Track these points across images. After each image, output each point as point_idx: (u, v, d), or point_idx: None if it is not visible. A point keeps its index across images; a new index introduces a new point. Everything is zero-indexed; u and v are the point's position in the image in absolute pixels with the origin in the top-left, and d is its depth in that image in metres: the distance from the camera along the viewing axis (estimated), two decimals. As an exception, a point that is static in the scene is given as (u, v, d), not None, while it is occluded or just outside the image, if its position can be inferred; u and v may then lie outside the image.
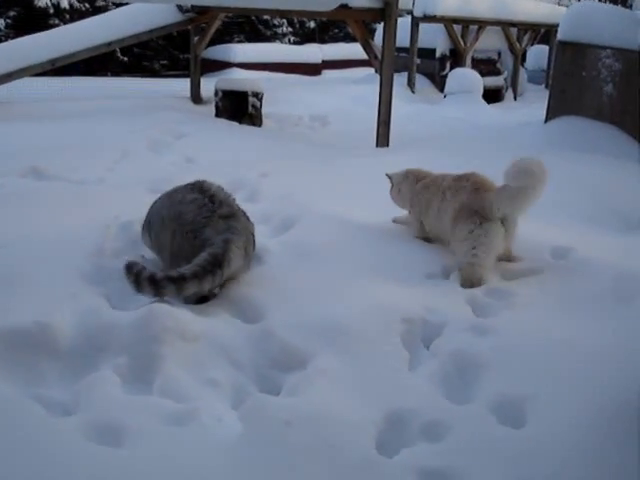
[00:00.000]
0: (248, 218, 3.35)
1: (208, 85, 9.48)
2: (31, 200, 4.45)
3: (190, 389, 2.43)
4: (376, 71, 8.50)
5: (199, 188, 3.37)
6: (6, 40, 13.48)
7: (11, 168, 5.31)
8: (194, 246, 3.11)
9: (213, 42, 12.92)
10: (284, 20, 20.50)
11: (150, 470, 1.98)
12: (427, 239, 3.80)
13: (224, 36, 17.85)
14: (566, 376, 2.50)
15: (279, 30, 20.79)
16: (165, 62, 17.59)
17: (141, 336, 2.60)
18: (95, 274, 3.20)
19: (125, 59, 16.58)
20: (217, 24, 9.87)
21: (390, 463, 2.10)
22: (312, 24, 21.37)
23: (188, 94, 9.84)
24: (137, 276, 2.91)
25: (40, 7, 15.85)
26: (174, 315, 2.69)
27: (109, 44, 8.94)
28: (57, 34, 9.23)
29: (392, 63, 7.29)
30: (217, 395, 2.45)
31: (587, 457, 2.09)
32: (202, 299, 3.02)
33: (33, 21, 15.18)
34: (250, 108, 8.34)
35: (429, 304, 3.05)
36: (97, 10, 15.45)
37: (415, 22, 11.83)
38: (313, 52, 18.09)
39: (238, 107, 8.34)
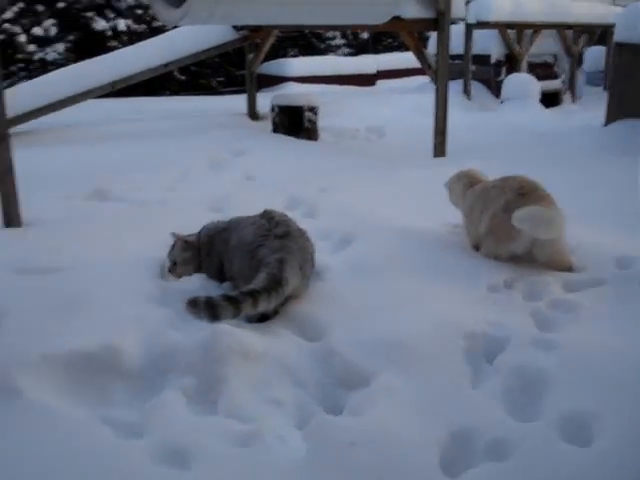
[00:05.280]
0: (308, 238, 3.38)
1: (265, 100, 9.58)
2: (94, 222, 4.59)
3: (254, 409, 2.46)
4: (432, 80, 8.44)
5: (262, 213, 3.44)
6: (67, 64, 13.87)
7: (76, 191, 5.47)
8: (251, 266, 3.15)
9: (268, 57, 13.05)
10: (337, 33, 20.59)
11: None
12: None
13: (278, 51, 18.02)
14: (633, 392, 2.46)
15: (333, 42, 20.89)
16: (222, 79, 17.83)
17: (205, 357, 2.64)
18: (159, 295, 3.26)
19: (183, 77, 16.88)
20: (271, 40, 9.96)
21: (455, 484, 2.09)
22: (365, 35, 21.41)
23: (245, 110, 9.95)
24: (195, 305, 2.88)
25: (98, 30, 16.27)
26: (237, 335, 2.72)
27: (166, 65, 9.09)
28: (116, 57, 9.42)
29: (447, 72, 7.26)
30: (281, 415, 2.46)
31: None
32: (263, 317, 3.04)
33: (92, 44, 15.56)
34: (306, 122, 8.39)
35: (491, 318, 3.03)
36: (154, 31, 15.74)
37: (469, 29, 11.75)
38: (367, 63, 18.10)
39: (294, 122, 8.40)
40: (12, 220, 4.59)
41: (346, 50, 21.01)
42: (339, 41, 21.02)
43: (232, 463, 2.13)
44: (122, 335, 2.78)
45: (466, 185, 3.95)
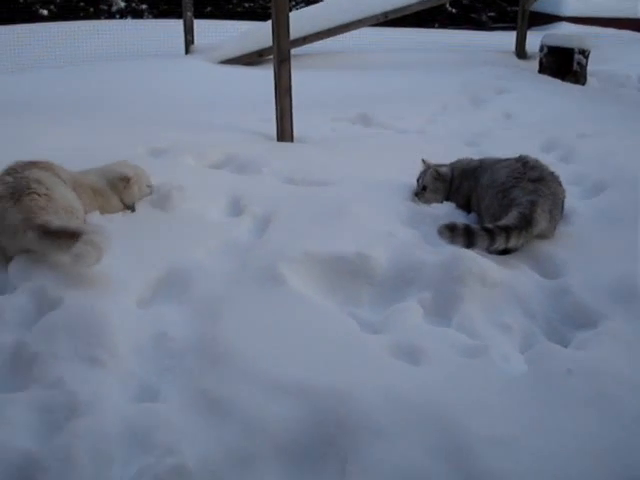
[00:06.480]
0: (560, 183, 3.48)
1: (534, 39, 9.38)
2: (356, 144, 4.95)
3: (484, 328, 2.68)
4: None
5: (517, 158, 3.60)
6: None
7: (342, 114, 5.88)
8: (501, 205, 3.34)
9: (544, -6, 12.64)
10: (625, -29, 19.27)
11: (439, 388, 2.27)
12: None
13: (556, -13, 17.27)
14: None
15: (618, -18, 19.60)
16: (492, 14, 17.52)
17: (446, 276, 2.90)
18: (408, 217, 3.57)
19: (453, 10, 16.82)
20: (551, -23, 9.67)
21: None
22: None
23: (513, 48, 9.82)
24: (452, 230, 3.13)
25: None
26: (478, 261, 2.95)
27: (441, -4, 9.22)
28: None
29: None
30: (507, 338, 2.66)
31: None
32: (504, 251, 3.21)
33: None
34: (575, 65, 8.16)
35: None
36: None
37: None
38: (654, 7, 16.80)
39: (563, 64, 8.20)
40: (285, 135, 5.07)
41: (632, -9, 19.64)
42: (626, -19, 19.67)
43: (457, 368, 2.38)
44: (374, 247, 3.13)
45: None
